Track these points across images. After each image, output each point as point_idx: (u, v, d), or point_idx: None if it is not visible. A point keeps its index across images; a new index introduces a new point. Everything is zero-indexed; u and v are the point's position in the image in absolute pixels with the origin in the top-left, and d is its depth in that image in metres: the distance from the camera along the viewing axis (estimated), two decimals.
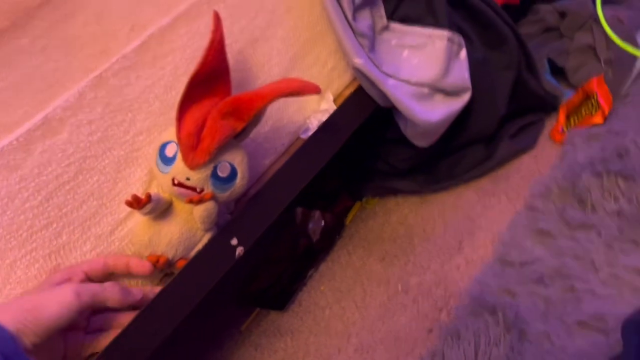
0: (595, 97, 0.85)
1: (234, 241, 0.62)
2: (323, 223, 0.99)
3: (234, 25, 0.65)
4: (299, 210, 1.01)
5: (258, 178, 0.70)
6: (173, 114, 0.57)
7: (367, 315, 0.82)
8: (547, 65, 0.95)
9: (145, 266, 0.56)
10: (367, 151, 0.98)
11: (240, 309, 0.92)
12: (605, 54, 0.88)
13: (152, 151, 0.58)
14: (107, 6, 0.56)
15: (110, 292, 0.51)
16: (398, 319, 0.79)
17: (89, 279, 0.53)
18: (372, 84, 0.75)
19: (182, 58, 0.61)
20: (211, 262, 0.61)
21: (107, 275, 0.55)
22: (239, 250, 0.63)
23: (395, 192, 0.99)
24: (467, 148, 0.92)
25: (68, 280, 0.51)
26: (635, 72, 0.85)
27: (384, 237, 0.93)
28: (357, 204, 1.02)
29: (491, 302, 0.68)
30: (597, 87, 0.85)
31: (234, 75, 0.63)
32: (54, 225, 0.54)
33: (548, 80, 0.94)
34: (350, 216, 1.01)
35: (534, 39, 0.99)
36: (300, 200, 1.00)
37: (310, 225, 1.00)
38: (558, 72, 0.97)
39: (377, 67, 0.76)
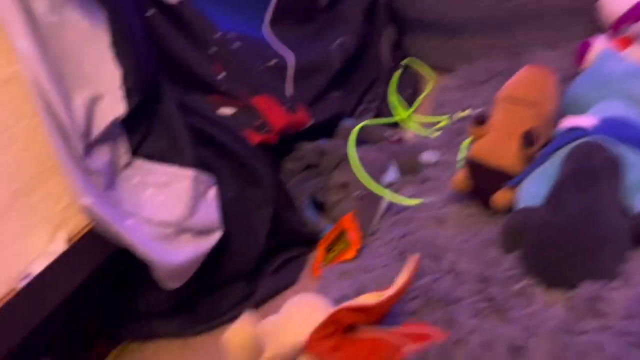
0: (347, 232, 0.88)
1: None
2: None
3: None
4: None
5: None
6: None
7: None
8: (308, 201, 0.98)
9: None
10: (124, 291, 0.89)
11: None
12: (357, 191, 0.93)
13: None
14: None
15: None
16: None
17: None
18: (105, 225, 0.69)
19: None
20: None
21: None
22: None
23: (154, 335, 0.90)
24: (228, 286, 0.88)
25: None
26: (381, 209, 0.90)
27: None
28: (113, 352, 0.91)
29: None
30: (349, 223, 0.88)
31: None
32: None
33: (308, 216, 0.96)
34: None
35: (297, 175, 1.03)
36: (46, 346, 0.87)
37: None
38: (321, 205, 1.01)
39: (113, 206, 0.70)
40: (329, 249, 0.92)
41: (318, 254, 0.93)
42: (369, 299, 0.61)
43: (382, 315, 0.63)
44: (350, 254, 0.87)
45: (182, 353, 0.87)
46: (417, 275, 0.62)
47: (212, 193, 0.78)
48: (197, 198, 0.75)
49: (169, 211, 0.73)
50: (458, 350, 0.62)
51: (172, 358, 0.87)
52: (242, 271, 0.87)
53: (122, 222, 0.70)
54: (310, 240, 0.95)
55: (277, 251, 0.94)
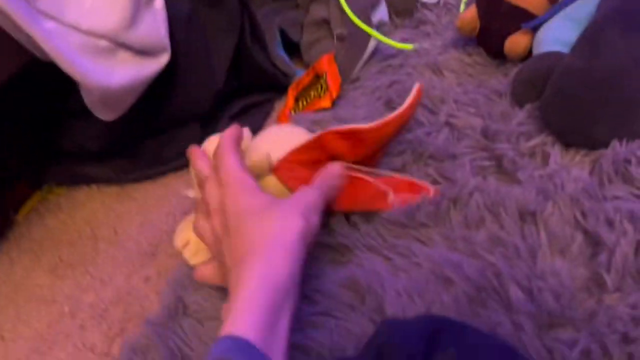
0: (324, 77, 0.73)
1: None
2: None
3: None
4: None
5: None
6: None
7: (16, 349, 0.59)
8: (279, 38, 0.82)
9: None
10: (50, 125, 0.74)
11: None
12: (339, 29, 0.77)
13: None
14: None
15: None
16: (56, 354, 0.58)
17: None
18: (16, 25, 0.52)
19: None
20: None
21: None
22: None
23: (87, 179, 0.77)
24: (178, 128, 0.74)
25: None
26: (367, 53, 0.75)
27: (62, 239, 0.71)
28: (37, 194, 0.78)
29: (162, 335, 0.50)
30: (327, 66, 0.74)
31: None
32: None
33: (279, 54, 0.80)
34: (24, 210, 0.76)
35: (267, 5, 0.85)
36: None
37: None
38: (292, 47, 0.85)
39: (27, 2, 0.53)
40: (300, 97, 0.78)
41: (287, 100, 0.78)
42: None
43: (375, 149, 0.51)
44: (326, 102, 0.73)
45: (118, 201, 0.74)
46: (418, 106, 0.50)
47: (159, 3, 0.61)
48: (137, 6, 0.58)
49: (101, 18, 0.56)
50: (455, 211, 0.51)
51: (104, 204, 0.74)
52: (196, 112, 0.73)
53: (38, 23, 0.53)
54: (278, 84, 0.80)
55: (239, 94, 0.79)
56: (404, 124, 0.50)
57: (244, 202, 0.43)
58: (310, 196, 0.45)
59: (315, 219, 0.43)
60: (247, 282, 0.37)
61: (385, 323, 0.39)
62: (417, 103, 0.50)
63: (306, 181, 0.47)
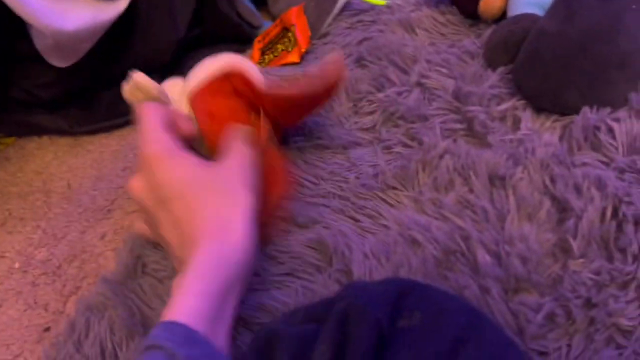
0: (292, 30, 0.70)
1: None
2: None
3: None
4: None
5: None
6: None
7: None
8: None
9: None
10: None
11: None
12: None
13: None
14: None
15: None
16: (6, 311, 0.55)
17: None
18: None
19: None
20: None
21: None
22: None
23: (39, 130, 0.73)
24: None
25: None
26: (338, 7, 0.72)
27: (11, 192, 0.67)
28: None
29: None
30: (296, 18, 0.71)
31: None
32: None
33: (245, 4, 0.77)
34: None
35: None
36: None
37: None
38: None
39: None
40: (266, 50, 0.75)
41: (253, 53, 0.75)
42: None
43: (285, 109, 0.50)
44: (294, 57, 0.70)
45: (72, 153, 0.70)
46: (340, 76, 0.49)
47: None
48: None
49: None
50: (424, 174, 0.50)
51: (56, 157, 0.71)
52: (156, 62, 0.69)
53: None
54: (243, 36, 0.77)
55: (201, 44, 0.75)
56: (318, 101, 0.50)
57: (177, 172, 0.39)
58: (247, 160, 0.42)
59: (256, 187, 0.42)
60: (198, 264, 0.35)
61: (352, 285, 0.39)
62: (337, 73, 0.48)
63: (214, 113, 0.46)
